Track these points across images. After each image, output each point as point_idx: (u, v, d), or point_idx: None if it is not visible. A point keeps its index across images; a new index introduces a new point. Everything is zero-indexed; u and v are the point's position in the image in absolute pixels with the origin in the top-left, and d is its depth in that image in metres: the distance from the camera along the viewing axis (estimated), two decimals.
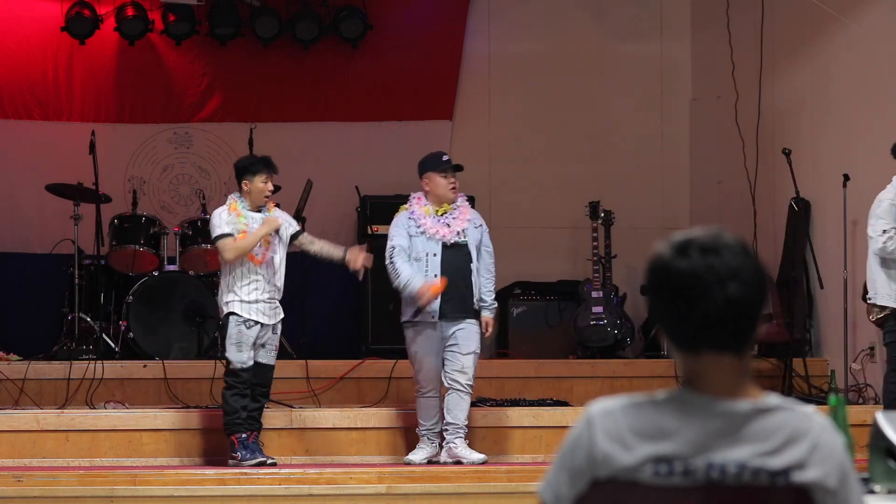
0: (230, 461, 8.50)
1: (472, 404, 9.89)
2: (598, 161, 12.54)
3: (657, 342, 11.42)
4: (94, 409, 9.46)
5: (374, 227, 11.41)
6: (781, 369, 10.44)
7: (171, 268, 10.86)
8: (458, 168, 8.85)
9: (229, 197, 8.76)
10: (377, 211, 11.54)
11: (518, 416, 9.26)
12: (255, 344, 8.49)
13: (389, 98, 12.44)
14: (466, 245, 8.72)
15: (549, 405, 9.68)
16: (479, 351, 8.74)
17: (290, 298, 11.38)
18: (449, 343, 8.61)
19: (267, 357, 8.63)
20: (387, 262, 8.75)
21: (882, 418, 3.67)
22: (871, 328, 10.28)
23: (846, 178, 10.14)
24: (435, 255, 8.62)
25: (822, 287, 10.50)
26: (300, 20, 12.08)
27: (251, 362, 8.47)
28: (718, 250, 2.71)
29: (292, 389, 10.12)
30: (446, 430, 8.66)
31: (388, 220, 11.52)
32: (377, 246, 11.32)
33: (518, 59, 12.69)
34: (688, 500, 2.69)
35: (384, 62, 12.44)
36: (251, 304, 8.51)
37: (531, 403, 9.71)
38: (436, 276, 8.56)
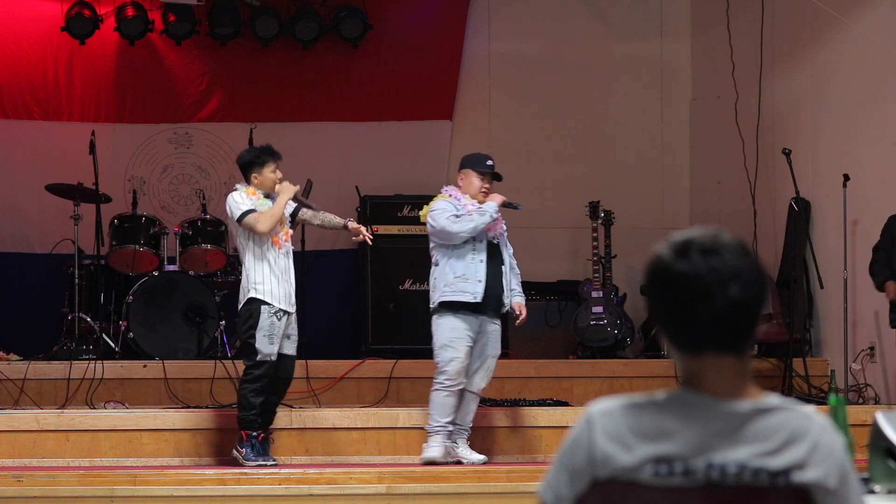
0: (233, 453, 8.47)
1: None
2: (598, 161, 12.54)
3: (657, 342, 11.42)
4: (94, 409, 9.46)
5: (375, 227, 11.40)
6: (781, 369, 10.44)
7: (171, 268, 10.86)
8: (497, 177, 8.77)
9: (238, 186, 8.60)
10: (377, 211, 11.55)
11: (518, 416, 9.26)
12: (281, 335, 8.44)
13: (389, 98, 12.44)
14: (499, 246, 8.70)
15: (549, 405, 9.68)
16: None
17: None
18: (481, 342, 8.56)
19: (291, 348, 8.53)
20: (450, 222, 8.51)
21: (882, 418, 3.67)
22: (871, 328, 10.30)
23: (846, 178, 10.15)
24: (482, 241, 8.58)
25: (822, 287, 10.50)
26: (300, 20, 12.08)
27: (276, 355, 8.42)
28: (719, 251, 2.70)
29: (292, 389, 10.10)
30: (452, 430, 8.64)
31: (388, 221, 11.60)
32: (377, 246, 11.35)
33: (518, 59, 12.69)
34: (688, 500, 2.69)
35: (384, 62, 12.45)
36: (280, 293, 8.40)
37: (531, 403, 9.71)
38: (482, 261, 8.53)
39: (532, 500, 2.91)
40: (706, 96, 12.57)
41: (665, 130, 12.80)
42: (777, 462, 2.68)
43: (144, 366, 10.20)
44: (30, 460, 8.69)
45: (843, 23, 10.57)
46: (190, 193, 12.24)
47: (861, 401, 10.16)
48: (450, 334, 8.52)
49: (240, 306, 8.49)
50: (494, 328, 8.60)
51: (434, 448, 8.60)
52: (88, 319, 10.61)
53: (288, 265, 8.50)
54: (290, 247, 8.59)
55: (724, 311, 2.68)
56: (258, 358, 8.34)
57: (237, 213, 8.39)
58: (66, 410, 9.18)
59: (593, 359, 11.02)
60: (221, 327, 10.61)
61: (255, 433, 8.41)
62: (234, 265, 11.14)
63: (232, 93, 12.33)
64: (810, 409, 2.75)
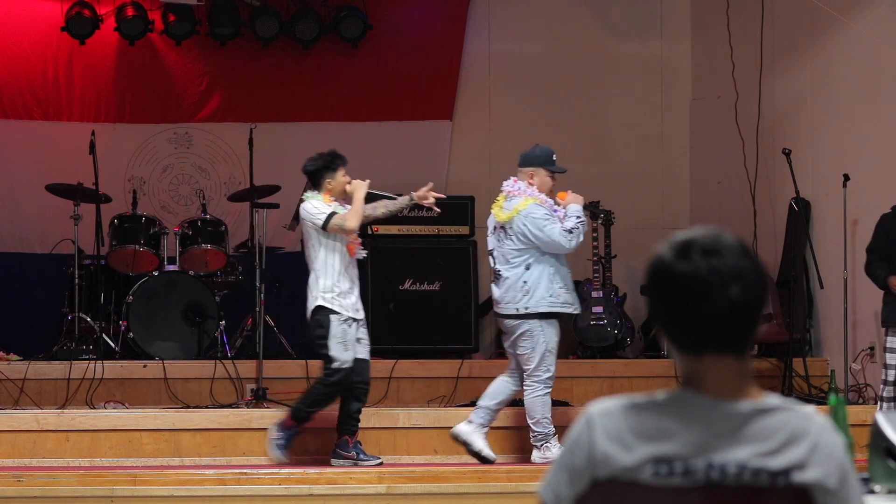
0: (333, 461, 8.50)
1: (472, 403, 9.91)
2: (598, 161, 12.53)
3: (657, 342, 11.42)
4: (94, 409, 9.45)
5: (375, 227, 11.41)
6: (781, 369, 10.44)
7: (171, 268, 10.86)
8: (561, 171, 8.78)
9: (309, 194, 8.54)
10: None
11: (518, 416, 9.25)
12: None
13: (389, 98, 12.44)
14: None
15: None
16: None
17: (290, 298, 11.40)
18: None
19: (364, 352, 8.53)
20: (565, 237, 8.50)
21: (882, 418, 3.67)
22: (871, 328, 10.29)
23: (846, 178, 10.14)
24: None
25: (822, 287, 10.49)
26: (300, 20, 12.08)
27: (352, 362, 8.42)
28: (720, 251, 2.70)
29: (292, 389, 10.11)
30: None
31: (388, 220, 11.57)
32: (377, 247, 11.35)
33: (518, 59, 12.69)
34: (688, 500, 2.69)
35: (384, 62, 12.45)
36: (349, 301, 8.39)
37: None
38: (567, 270, 8.54)
39: (532, 500, 2.91)
40: (706, 96, 12.57)
41: (665, 130, 12.80)
42: (777, 462, 2.68)
43: (144, 366, 10.20)
44: (30, 460, 8.68)
45: (843, 23, 10.56)
46: (190, 193, 12.23)
47: (861, 401, 10.16)
48: (556, 339, 8.61)
49: (308, 312, 8.41)
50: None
51: (556, 448, 8.59)
52: (88, 319, 10.61)
53: (356, 273, 8.48)
54: (361, 254, 8.56)
55: (725, 312, 2.68)
56: (335, 365, 8.36)
57: (320, 219, 8.33)
58: (66, 410, 9.17)
59: (593, 359, 11.02)
60: (221, 327, 10.61)
61: (355, 438, 8.49)
62: (233, 265, 11.15)
63: (232, 93, 12.33)
64: (810, 409, 2.75)
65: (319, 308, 8.33)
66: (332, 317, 8.31)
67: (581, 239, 8.57)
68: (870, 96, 10.46)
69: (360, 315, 8.49)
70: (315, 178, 8.56)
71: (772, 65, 11.53)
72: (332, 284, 8.34)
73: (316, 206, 8.38)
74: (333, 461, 8.50)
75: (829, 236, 10.60)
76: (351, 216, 8.36)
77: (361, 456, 8.49)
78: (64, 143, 11.78)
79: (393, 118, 12.47)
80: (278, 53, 12.28)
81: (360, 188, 8.47)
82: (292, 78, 12.35)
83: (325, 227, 8.32)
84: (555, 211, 8.66)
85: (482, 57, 12.65)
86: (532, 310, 8.54)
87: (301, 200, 8.61)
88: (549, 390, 8.66)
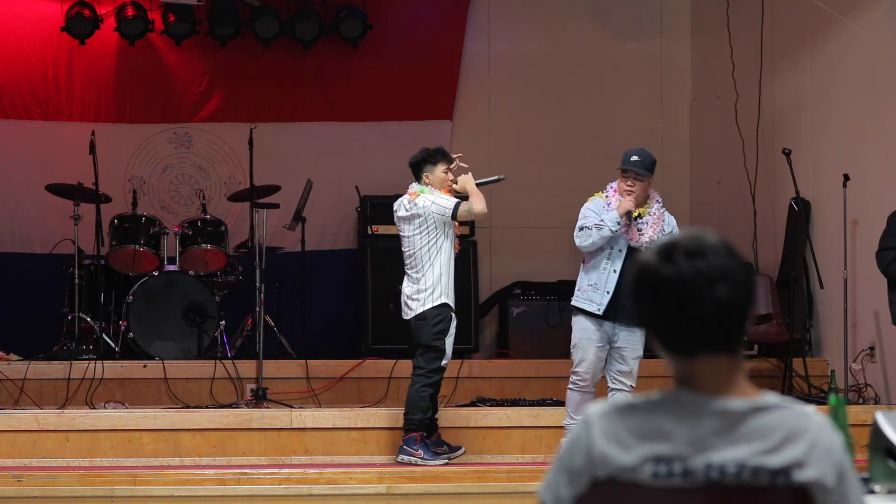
0: (401, 457, 8.50)
1: (472, 404, 9.91)
2: (598, 161, 12.52)
3: None
4: (94, 409, 9.45)
5: (375, 227, 11.41)
6: (781, 369, 10.44)
7: (171, 268, 10.86)
8: (640, 174, 8.47)
9: (416, 186, 8.60)
10: (377, 211, 11.54)
11: (518, 416, 9.25)
12: None
13: (389, 98, 12.44)
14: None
15: (549, 405, 9.68)
16: (642, 354, 8.63)
17: (290, 298, 11.42)
18: (617, 345, 8.46)
19: None
20: (576, 233, 8.46)
21: (882, 418, 3.67)
22: (871, 328, 10.29)
23: (846, 178, 10.14)
24: (621, 251, 8.46)
25: (821, 287, 10.50)
26: (300, 20, 12.08)
27: None
28: (703, 253, 2.72)
29: (292, 389, 10.12)
30: None
31: (388, 221, 11.53)
32: (377, 247, 11.36)
33: (518, 59, 12.69)
34: (688, 500, 2.69)
35: (384, 62, 12.44)
36: (454, 297, 8.50)
37: (531, 403, 9.71)
38: (615, 271, 8.42)
39: (532, 501, 2.91)
40: (706, 96, 12.57)
41: (665, 130, 12.80)
42: (776, 460, 2.68)
43: (144, 366, 10.20)
44: (30, 460, 8.68)
45: (843, 23, 10.56)
46: (190, 193, 12.23)
47: (861, 401, 10.16)
48: (579, 335, 8.49)
49: (420, 307, 8.41)
50: (633, 331, 8.43)
51: None
52: (88, 319, 10.61)
53: None
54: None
55: (712, 313, 2.68)
56: (444, 363, 8.43)
57: (448, 208, 8.39)
58: (66, 410, 9.17)
59: None
60: (221, 327, 10.61)
61: (423, 433, 8.50)
62: (233, 265, 11.15)
63: (232, 93, 12.33)
64: (808, 407, 2.76)
65: (444, 305, 8.40)
66: (452, 315, 8.45)
67: (591, 243, 8.34)
68: (870, 96, 10.46)
69: None
70: (415, 169, 8.65)
71: (772, 65, 11.53)
72: (448, 280, 8.43)
73: (437, 199, 8.42)
74: (400, 457, 8.54)
75: (829, 236, 10.60)
76: (476, 200, 8.44)
77: (428, 454, 8.53)
78: (64, 143, 11.78)
79: (393, 118, 12.47)
80: (278, 53, 12.27)
81: (468, 181, 8.56)
82: (292, 78, 12.34)
83: (454, 216, 8.40)
84: (638, 220, 8.47)
85: (482, 57, 12.65)
86: (572, 303, 8.59)
87: (399, 195, 8.66)
88: (574, 385, 8.50)
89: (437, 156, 8.63)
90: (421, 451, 8.47)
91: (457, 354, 10.88)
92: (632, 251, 8.36)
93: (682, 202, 12.70)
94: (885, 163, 10.24)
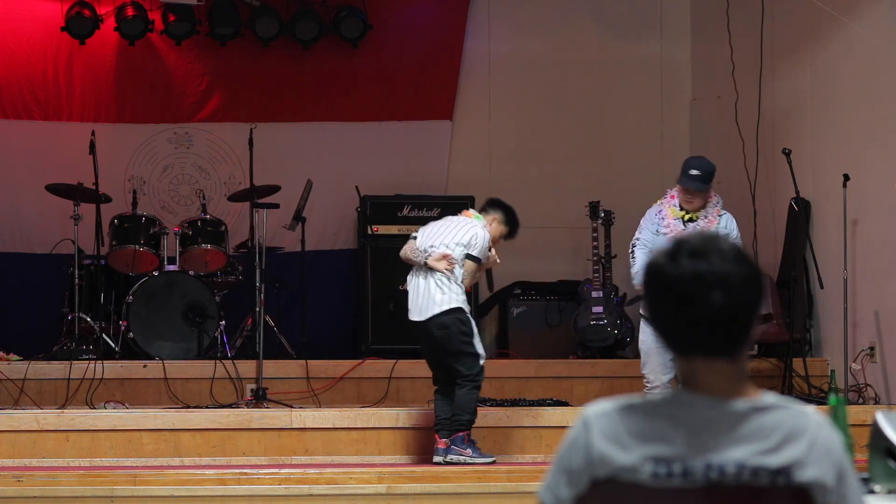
0: (451, 457, 8.54)
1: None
2: (598, 161, 12.54)
3: None
4: (94, 409, 9.45)
5: (375, 227, 11.41)
6: (781, 369, 10.44)
7: (171, 268, 10.86)
8: (701, 187, 8.51)
9: (480, 217, 8.88)
10: (377, 211, 11.55)
11: (518, 416, 9.26)
12: None
13: (389, 98, 12.44)
14: None
15: (549, 405, 9.68)
16: None
17: (290, 298, 11.42)
18: None
19: None
20: (629, 250, 8.67)
21: (882, 418, 3.67)
22: (871, 328, 10.29)
23: (846, 178, 10.14)
24: None
25: (821, 287, 10.50)
26: (300, 20, 12.08)
27: None
28: (707, 255, 2.70)
29: (292, 389, 10.12)
30: None
31: (388, 221, 11.61)
32: (377, 247, 11.36)
33: (518, 59, 12.69)
34: (688, 501, 2.69)
35: (384, 62, 12.44)
36: None
37: (531, 403, 9.71)
38: None
39: (532, 501, 2.91)
40: (706, 96, 12.57)
41: (665, 130, 12.80)
42: (776, 460, 2.68)
43: (144, 366, 10.20)
44: (30, 460, 8.68)
45: (843, 23, 10.56)
46: (190, 193, 12.23)
47: (861, 401, 10.15)
48: (643, 337, 8.63)
49: (435, 313, 8.52)
50: None
51: None
52: (88, 319, 10.61)
53: None
54: None
55: (707, 317, 2.67)
56: (482, 362, 8.54)
57: (480, 258, 8.65)
58: (66, 410, 9.17)
59: (593, 359, 11.02)
60: (221, 327, 10.61)
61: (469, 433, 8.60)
62: (233, 265, 11.15)
63: (232, 93, 12.33)
64: (807, 407, 2.75)
65: (458, 309, 8.49)
66: (468, 316, 8.55)
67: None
68: (870, 96, 10.45)
69: None
70: (487, 205, 8.94)
71: (772, 65, 11.53)
72: (461, 285, 8.58)
73: (482, 245, 8.63)
74: (450, 457, 8.58)
75: (829, 236, 10.60)
76: (472, 277, 8.71)
77: (476, 453, 8.59)
78: (64, 143, 11.78)
79: (393, 118, 12.47)
80: (278, 53, 12.27)
81: (491, 265, 8.82)
82: (292, 78, 12.34)
83: (476, 261, 8.60)
84: (688, 224, 8.54)
85: (482, 57, 12.65)
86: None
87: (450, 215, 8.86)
88: (647, 390, 8.61)
89: (510, 216, 8.80)
90: (469, 450, 8.57)
91: None
92: None
93: None
94: (885, 163, 10.23)
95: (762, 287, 2.73)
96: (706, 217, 8.57)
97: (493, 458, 8.65)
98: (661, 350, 8.36)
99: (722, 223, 8.58)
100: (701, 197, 8.57)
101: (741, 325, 2.69)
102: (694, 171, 8.59)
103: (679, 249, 2.72)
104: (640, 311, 8.66)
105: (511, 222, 8.81)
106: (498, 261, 8.86)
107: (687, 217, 8.54)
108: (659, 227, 8.60)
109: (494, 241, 8.79)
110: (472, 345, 8.51)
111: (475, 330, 8.58)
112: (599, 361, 10.90)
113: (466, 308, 8.59)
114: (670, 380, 8.55)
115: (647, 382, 8.59)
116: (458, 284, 8.55)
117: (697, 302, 2.67)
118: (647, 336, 8.55)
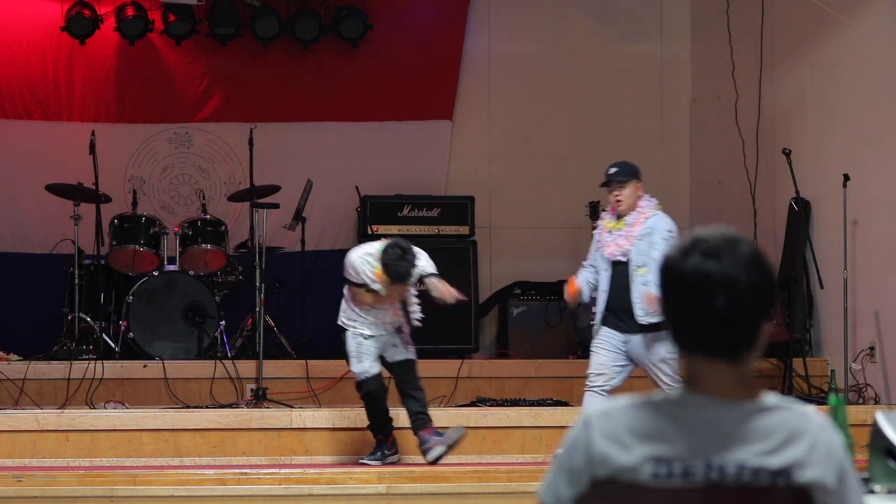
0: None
1: (472, 404, 9.91)
2: (598, 161, 12.51)
3: None
4: (94, 409, 9.45)
5: (375, 227, 11.41)
6: (781, 369, 10.44)
7: (171, 268, 10.86)
8: (621, 180, 8.48)
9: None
10: (377, 211, 11.55)
11: (518, 416, 9.25)
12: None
13: (389, 98, 12.44)
14: (627, 264, 8.33)
15: (549, 405, 9.68)
16: (668, 356, 8.50)
17: (290, 298, 11.42)
18: (633, 355, 8.37)
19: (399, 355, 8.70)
20: None
21: (882, 418, 3.67)
22: (871, 328, 10.29)
23: (846, 178, 10.14)
24: (605, 270, 8.46)
25: (822, 287, 10.50)
26: (300, 20, 12.08)
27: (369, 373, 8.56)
28: (720, 255, 2.67)
29: (292, 389, 10.12)
30: None
31: (388, 221, 11.61)
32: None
33: (518, 59, 12.69)
34: (688, 501, 2.68)
35: (384, 62, 12.44)
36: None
37: (531, 403, 9.71)
38: (604, 291, 8.41)
39: (532, 501, 2.91)
40: (706, 96, 12.57)
41: (665, 130, 12.80)
42: (776, 461, 2.67)
43: (144, 366, 10.20)
44: (30, 460, 8.68)
45: (843, 23, 10.56)
46: (190, 193, 12.23)
47: (861, 401, 10.16)
48: (595, 341, 8.49)
49: None
50: (637, 339, 8.40)
51: None
52: (88, 319, 10.61)
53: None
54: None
55: (711, 318, 2.65)
56: (358, 379, 8.57)
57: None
58: (66, 410, 9.17)
59: None
60: (221, 327, 10.61)
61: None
62: (233, 265, 11.15)
63: (232, 93, 12.33)
64: (808, 407, 2.75)
65: (339, 327, 8.72)
66: (346, 336, 8.65)
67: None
68: (870, 96, 10.45)
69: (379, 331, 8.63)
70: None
71: (772, 65, 11.53)
72: (347, 304, 8.73)
73: (350, 265, 8.64)
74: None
75: (829, 236, 10.60)
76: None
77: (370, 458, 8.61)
78: (64, 143, 11.78)
79: (393, 118, 12.47)
80: (278, 53, 12.28)
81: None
82: (292, 78, 12.35)
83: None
84: (615, 233, 8.48)
85: (482, 57, 12.65)
86: None
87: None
88: (588, 388, 8.43)
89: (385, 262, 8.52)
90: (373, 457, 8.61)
91: (457, 354, 10.92)
92: (616, 264, 8.37)
93: (682, 202, 12.70)
94: (885, 163, 10.23)
95: (772, 293, 2.69)
96: (630, 224, 8.41)
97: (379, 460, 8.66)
98: (605, 351, 8.36)
99: (648, 224, 8.40)
100: (626, 195, 8.47)
101: (745, 328, 2.67)
102: (613, 169, 8.57)
103: (694, 246, 2.69)
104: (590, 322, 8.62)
105: (386, 269, 8.44)
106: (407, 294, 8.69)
107: (616, 227, 8.42)
108: (599, 243, 8.53)
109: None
110: (351, 363, 8.58)
111: (351, 351, 8.56)
112: None
113: (349, 327, 8.61)
114: (612, 388, 8.40)
115: (589, 381, 8.38)
116: (346, 303, 8.63)
117: (702, 302, 2.65)
118: (599, 338, 8.45)
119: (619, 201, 8.45)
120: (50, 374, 9.94)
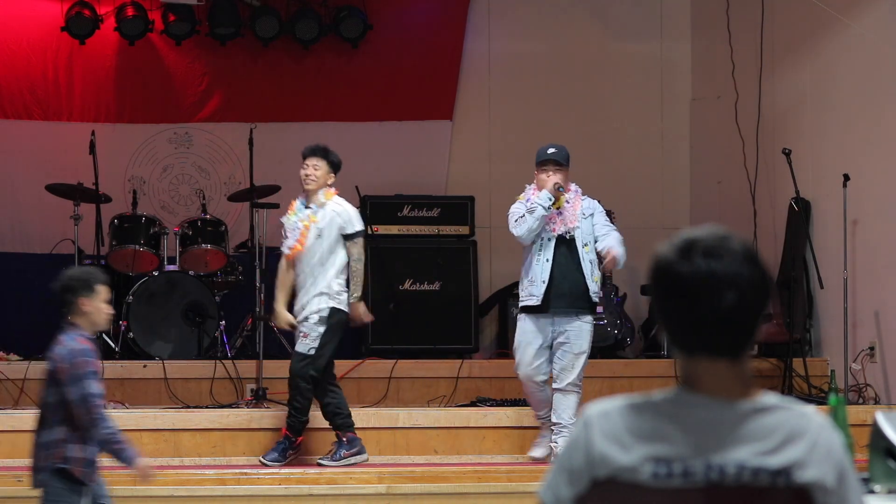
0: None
1: (472, 404, 9.91)
2: (597, 161, 12.53)
3: (657, 342, 11.42)
4: None
5: (375, 227, 11.41)
6: (781, 369, 10.44)
7: (171, 268, 10.86)
8: (559, 162, 8.66)
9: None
10: (377, 211, 11.54)
11: (518, 416, 9.25)
12: None
13: (389, 98, 12.44)
14: (575, 240, 8.60)
15: None
16: (588, 350, 8.65)
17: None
18: (559, 340, 8.56)
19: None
20: (511, 226, 8.63)
21: (882, 418, 3.67)
22: (871, 328, 10.30)
23: (846, 178, 10.15)
24: (550, 240, 8.56)
25: (822, 287, 10.50)
26: (300, 20, 12.08)
27: None
28: (721, 255, 2.67)
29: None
30: (552, 428, 8.66)
31: (388, 221, 11.60)
32: (376, 247, 11.35)
33: (518, 59, 12.69)
34: (688, 501, 2.68)
35: (384, 62, 12.45)
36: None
37: None
38: (547, 260, 8.51)
39: (532, 501, 2.91)
40: (706, 96, 12.57)
41: (665, 130, 12.80)
42: (776, 461, 2.67)
43: (144, 366, 10.20)
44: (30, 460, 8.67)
45: (843, 23, 10.56)
46: (190, 193, 12.23)
47: (861, 401, 10.16)
48: (519, 337, 8.65)
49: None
50: (576, 325, 8.54)
51: (536, 448, 8.84)
52: None
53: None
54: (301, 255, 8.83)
55: (716, 318, 2.65)
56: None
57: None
58: None
59: (593, 359, 10.99)
60: (221, 327, 10.61)
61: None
62: (233, 265, 11.14)
63: (232, 93, 12.33)
64: (808, 407, 2.75)
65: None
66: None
67: (528, 227, 8.51)
68: (870, 96, 10.46)
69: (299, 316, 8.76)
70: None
71: (772, 65, 11.53)
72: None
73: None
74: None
75: (829, 236, 10.60)
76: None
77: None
78: (64, 143, 11.78)
79: (393, 118, 12.47)
80: (278, 53, 12.28)
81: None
82: (292, 78, 12.35)
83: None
84: (558, 210, 8.64)
85: (482, 57, 12.65)
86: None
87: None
88: (524, 385, 8.71)
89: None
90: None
91: (456, 354, 10.91)
92: (560, 241, 8.53)
93: (682, 202, 12.71)
94: (885, 163, 10.24)
95: (770, 288, 2.71)
96: (571, 203, 8.65)
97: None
98: (538, 349, 8.49)
99: (586, 203, 8.70)
100: (560, 176, 8.60)
101: (748, 325, 2.68)
102: (552, 150, 8.75)
103: (692, 247, 2.69)
104: (519, 304, 8.66)
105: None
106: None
107: (555, 206, 8.57)
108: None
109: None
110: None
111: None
112: (599, 361, 10.87)
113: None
114: (544, 381, 8.57)
115: (521, 379, 8.60)
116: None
117: (708, 301, 2.65)
118: (525, 335, 8.57)
119: (548, 179, 8.57)
120: None
